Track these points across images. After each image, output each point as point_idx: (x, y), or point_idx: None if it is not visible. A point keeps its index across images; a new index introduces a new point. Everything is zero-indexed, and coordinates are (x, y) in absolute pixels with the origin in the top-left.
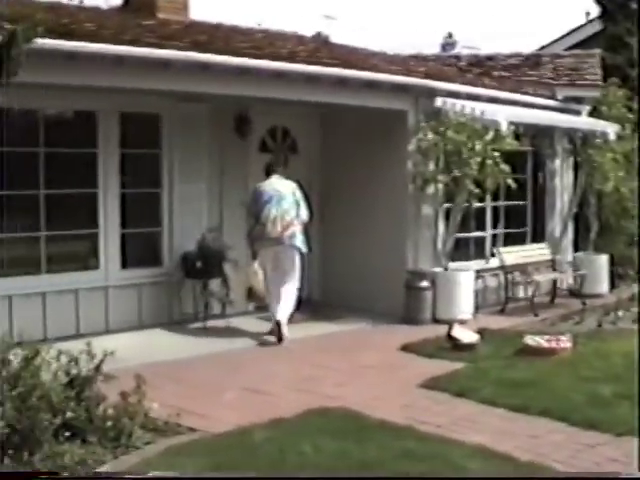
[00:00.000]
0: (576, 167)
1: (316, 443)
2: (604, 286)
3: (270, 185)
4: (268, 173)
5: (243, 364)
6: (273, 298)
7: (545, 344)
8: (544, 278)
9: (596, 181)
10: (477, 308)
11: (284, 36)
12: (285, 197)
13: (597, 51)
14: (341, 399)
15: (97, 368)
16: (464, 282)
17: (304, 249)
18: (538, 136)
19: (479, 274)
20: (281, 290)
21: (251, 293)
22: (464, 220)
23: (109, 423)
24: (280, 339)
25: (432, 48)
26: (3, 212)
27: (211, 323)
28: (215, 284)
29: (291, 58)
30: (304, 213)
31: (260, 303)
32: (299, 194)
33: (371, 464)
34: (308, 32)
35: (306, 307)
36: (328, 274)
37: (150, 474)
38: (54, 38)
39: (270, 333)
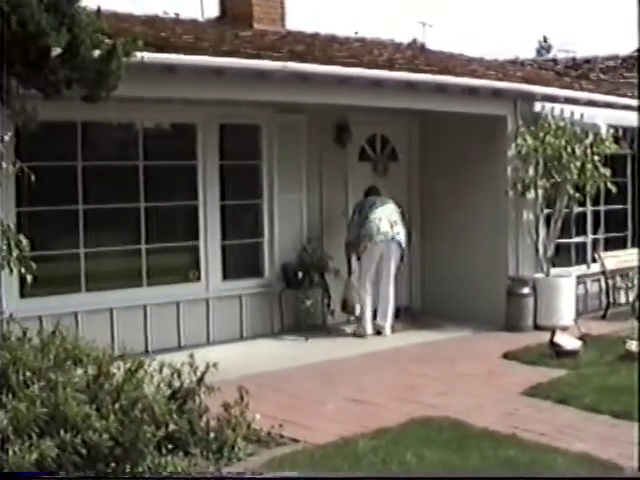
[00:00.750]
0: None
1: (419, 452)
2: None
3: (372, 197)
4: (367, 195)
5: (344, 374)
6: (369, 302)
7: None
8: None
9: None
10: (579, 314)
11: (381, 44)
12: (388, 202)
13: None
14: (443, 408)
15: (199, 380)
16: (565, 288)
17: (404, 244)
18: (637, 139)
19: (580, 279)
20: (382, 293)
21: (346, 305)
22: (565, 225)
23: (212, 435)
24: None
25: (528, 52)
26: (106, 226)
27: (312, 333)
28: (316, 294)
29: (389, 66)
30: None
31: (353, 315)
32: (398, 214)
33: (474, 473)
34: (404, 39)
35: (407, 315)
36: (429, 282)
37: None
38: (153, 51)
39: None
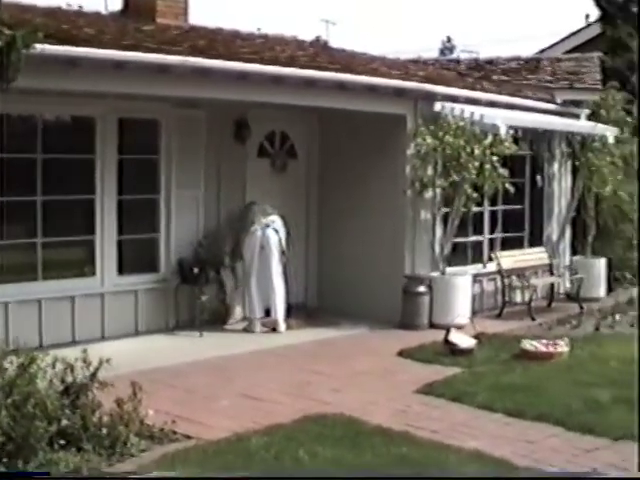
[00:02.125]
0: (574, 171)
1: (312, 449)
2: (602, 290)
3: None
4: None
5: (239, 370)
6: (257, 299)
7: (542, 348)
8: (541, 282)
9: (594, 185)
10: (474, 312)
11: (283, 41)
12: (270, 208)
13: (596, 54)
14: (337, 405)
15: (93, 375)
16: (461, 286)
17: (282, 233)
18: (537, 140)
19: (476, 278)
20: (271, 288)
21: (227, 312)
22: (462, 224)
23: (104, 431)
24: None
25: (431, 52)
26: (1, 218)
27: (207, 329)
28: (212, 290)
29: (290, 63)
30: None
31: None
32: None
33: (367, 470)
34: (308, 37)
35: (302, 313)
36: (325, 279)
37: (151, 474)
38: (54, 43)
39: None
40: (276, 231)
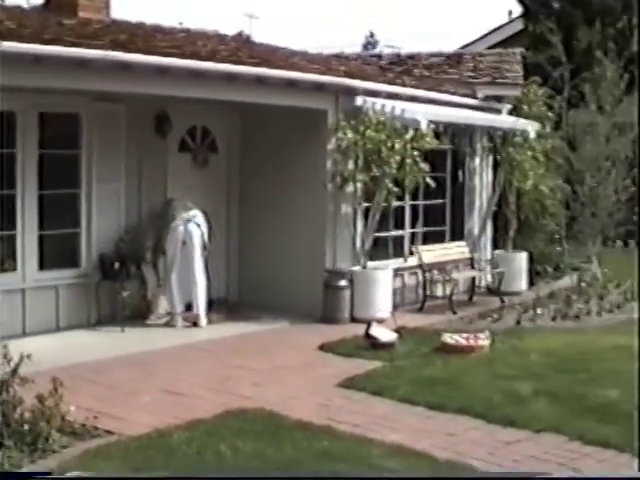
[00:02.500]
0: (496, 165)
1: (233, 444)
2: (523, 284)
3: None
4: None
5: (161, 365)
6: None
7: (463, 342)
8: (463, 276)
9: (515, 179)
10: (396, 307)
11: (205, 35)
12: (190, 203)
13: (518, 50)
14: (258, 399)
15: (14, 371)
16: (382, 281)
17: (204, 228)
18: (458, 134)
19: (397, 273)
20: (192, 282)
21: (149, 307)
22: (383, 219)
23: (26, 427)
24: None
25: (355, 47)
26: None
27: (129, 324)
28: (133, 285)
29: (211, 57)
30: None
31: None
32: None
33: (288, 465)
34: (232, 32)
35: (223, 307)
36: (246, 274)
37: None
38: None
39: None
40: (198, 226)
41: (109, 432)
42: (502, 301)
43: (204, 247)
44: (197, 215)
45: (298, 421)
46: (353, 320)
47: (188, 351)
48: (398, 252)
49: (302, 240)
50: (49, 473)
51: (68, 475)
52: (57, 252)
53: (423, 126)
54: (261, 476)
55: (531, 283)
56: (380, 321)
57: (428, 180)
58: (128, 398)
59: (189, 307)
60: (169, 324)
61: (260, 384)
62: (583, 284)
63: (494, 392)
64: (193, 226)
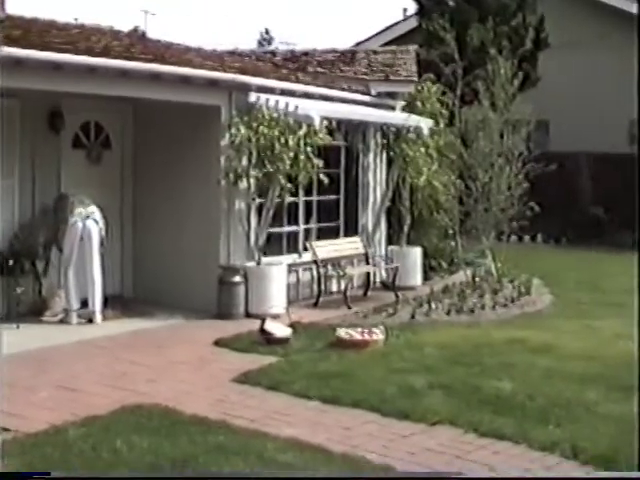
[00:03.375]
0: (390, 162)
1: (129, 439)
2: (417, 278)
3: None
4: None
5: (56, 362)
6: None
7: (358, 337)
8: (357, 271)
9: (409, 175)
10: (290, 302)
11: (100, 31)
12: (87, 199)
13: (412, 47)
14: (153, 395)
15: None
16: (276, 276)
17: (101, 223)
18: (351, 131)
19: (292, 268)
20: (89, 278)
21: (44, 305)
22: (277, 215)
23: None
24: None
25: (250, 44)
26: None
27: (24, 321)
28: (28, 282)
29: (104, 53)
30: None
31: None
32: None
33: (184, 459)
34: (127, 27)
35: (118, 303)
36: (140, 270)
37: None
38: None
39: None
40: (96, 222)
41: (5, 429)
42: (397, 296)
43: (101, 244)
44: (95, 211)
45: (193, 416)
46: (248, 316)
47: (84, 348)
48: (292, 248)
49: (196, 236)
50: (48, 473)
51: (68, 475)
52: None
53: (316, 122)
54: (262, 476)
55: (426, 278)
56: (275, 316)
57: (322, 176)
58: (24, 395)
59: (85, 303)
60: (64, 321)
61: (155, 380)
62: (477, 279)
63: (389, 386)
64: (91, 223)
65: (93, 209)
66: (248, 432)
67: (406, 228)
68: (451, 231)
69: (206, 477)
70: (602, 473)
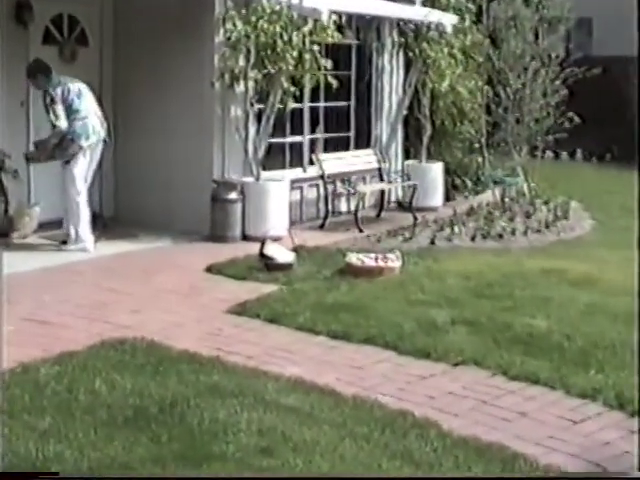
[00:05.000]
0: (407, 64)
1: (110, 379)
2: (438, 198)
3: (71, 80)
4: (37, 72)
5: (24, 290)
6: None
7: (370, 263)
8: (370, 189)
9: (430, 79)
10: (293, 223)
11: None
12: (88, 92)
13: None
14: (138, 328)
15: None
16: (278, 193)
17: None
18: (364, 28)
19: (296, 184)
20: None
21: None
22: (279, 123)
23: None
24: None
25: None
26: None
27: None
28: None
29: None
30: None
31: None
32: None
33: (173, 402)
34: None
35: (97, 223)
36: (122, 186)
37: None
38: None
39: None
40: (105, 143)
41: None
42: (415, 218)
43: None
44: (105, 129)
45: (183, 352)
46: (245, 238)
47: (57, 274)
48: (296, 161)
49: (186, 146)
50: (56, 473)
51: (75, 475)
52: None
53: (324, 17)
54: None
55: (447, 198)
56: (276, 239)
57: (330, 79)
58: None
59: (60, 223)
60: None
61: (140, 311)
62: (507, 199)
63: (406, 320)
64: (102, 146)
65: (105, 126)
66: (246, 371)
67: (426, 140)
68: (477, 145)
69: (206, 477)
70: (602, 473)
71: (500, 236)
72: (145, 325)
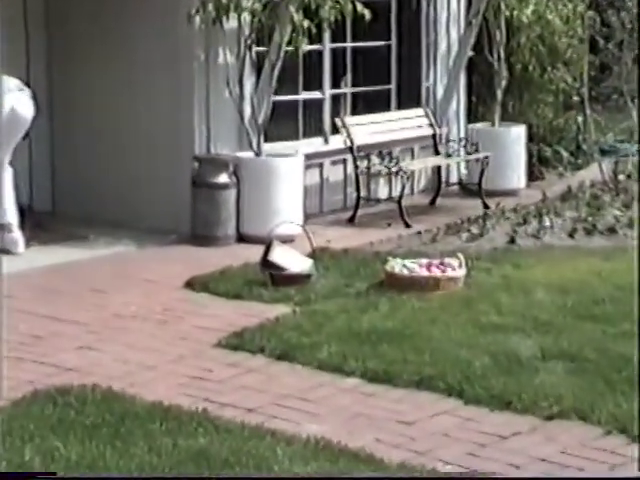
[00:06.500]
0: None
1: (48, 446)
2: (520, 177)
3: None
4: None
5: None
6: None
7: (422, 272)
8: (420, 165)
9: (507, 4)
10: (310, 216)
11: None
12: None
13: None
14: (89, 371)
15: None
16: (288, 175)
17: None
18: None
19: (313, 161)
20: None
21: None
22: (287, 73)
23: None
24: None
25: None
26: None
27: None
28: None
29: None
30: None
31: None
32: None
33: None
34: None
35: (27, 221)
36: (63, 169)
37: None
38: None
39: None
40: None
41: None
42: (485, 206)
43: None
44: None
45: (155, 405)
46: (242, 239)
47: None
48: (313, 128)
49: (155, 109)
50: (54, 473)
51: (73, 475)
52: None
53: None
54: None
55: (533, 176)
56: (286, 240)
57: (360, 7)
58: None
59: None
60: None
61: (91, 346)
62: (622, 177)
63: (475, 353)
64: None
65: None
66: (245, 430)
67: (500, 94)
68: (577, 98)
69: (205, 478)
70: (601, 473)
71: (611, 230)
72: (99, 367)
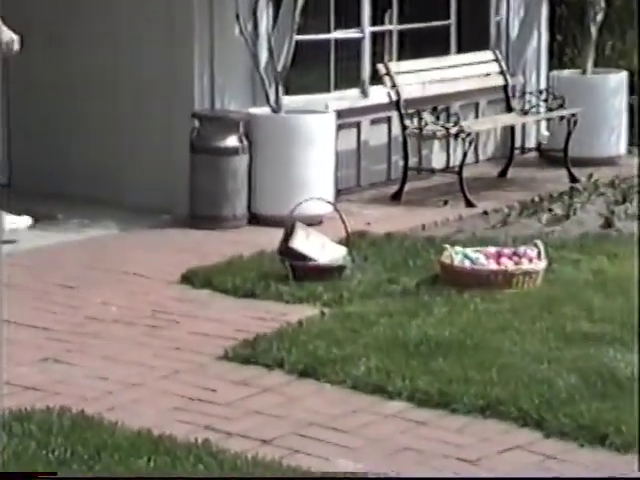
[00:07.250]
0: None
1: None
2: (619, 142)
3: None
4: None
5: None
6: None
7: (489, 265)
8: (488, 125)
9: None
10: (341, 191)
11: None
12: None
13: None
14: (55, 389)
15: None
16: (315, 136)
17: None
18: None
19: (348, 120)
20: None
21: None
22: (315, 5)
23: None
24: None
25: None
26: None
27: None
28: None
29: None
30: None
31: None
32: None
33: None
34: None
35: None
36: (20, 134)
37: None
38: None
39: None
40: None
41: None
42: (573, 178)
43: None
44: None
45: (141, 434)
46: (254, 220)
47: None
48: (348, 77)
49: (142, 51)
50: (54, 473)
51: (74, 475)
52: None
53: None
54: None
55: (636, 140)
56: (312, 221)
57: None
58: None
59: None
60: None
61: (59, 357)
62: None
63: (559, 370)
64: None
65: None
66: (259, 466)
67: (595, 31)
68: None
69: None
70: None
71: None
72: (68, 385)
